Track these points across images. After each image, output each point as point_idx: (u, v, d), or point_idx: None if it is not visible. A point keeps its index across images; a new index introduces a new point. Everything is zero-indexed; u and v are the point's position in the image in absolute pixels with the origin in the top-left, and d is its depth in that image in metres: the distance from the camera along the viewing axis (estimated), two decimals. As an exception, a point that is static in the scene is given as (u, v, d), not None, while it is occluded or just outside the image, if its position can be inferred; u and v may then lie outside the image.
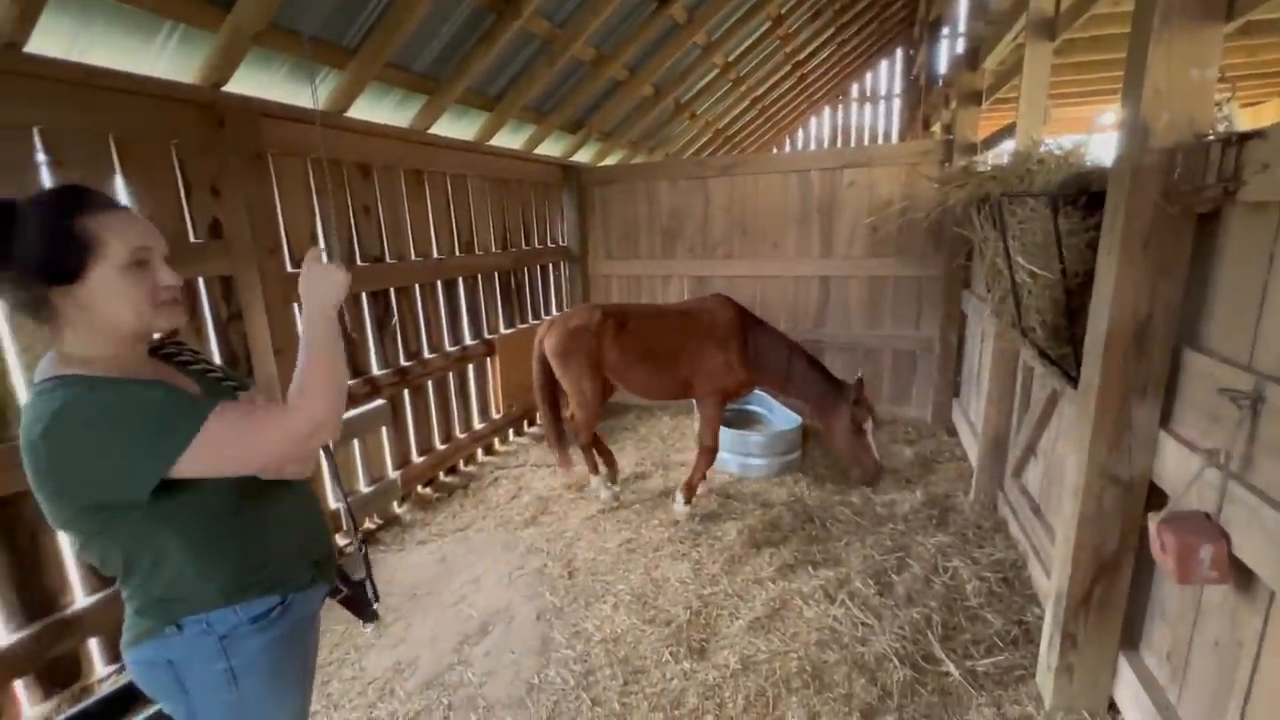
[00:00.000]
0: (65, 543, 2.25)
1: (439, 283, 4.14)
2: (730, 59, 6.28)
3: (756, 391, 4.92)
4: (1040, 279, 2.07)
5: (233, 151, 2.64)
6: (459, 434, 4.37)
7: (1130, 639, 1.96)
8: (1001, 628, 2.41)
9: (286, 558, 1.21)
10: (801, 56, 8.22)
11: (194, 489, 1.04)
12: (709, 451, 3.53)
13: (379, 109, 3.50)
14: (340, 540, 3.22)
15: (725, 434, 4.00)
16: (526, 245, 5.16)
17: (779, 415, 4.64)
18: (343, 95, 3.12)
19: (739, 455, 4.07)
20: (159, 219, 2.47)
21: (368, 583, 1.45)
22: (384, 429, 3.64)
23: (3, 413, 2.07)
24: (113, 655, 2.41)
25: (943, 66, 8.36)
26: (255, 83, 2.78)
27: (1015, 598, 2.60)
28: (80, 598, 2.30)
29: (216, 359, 2.77)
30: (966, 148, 4.19)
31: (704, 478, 3.57)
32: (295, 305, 3.00)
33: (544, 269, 5.51)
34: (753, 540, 3.18)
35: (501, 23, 3.41)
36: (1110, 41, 4.43)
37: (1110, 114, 7.33)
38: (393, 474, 3.71)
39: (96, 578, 2.34)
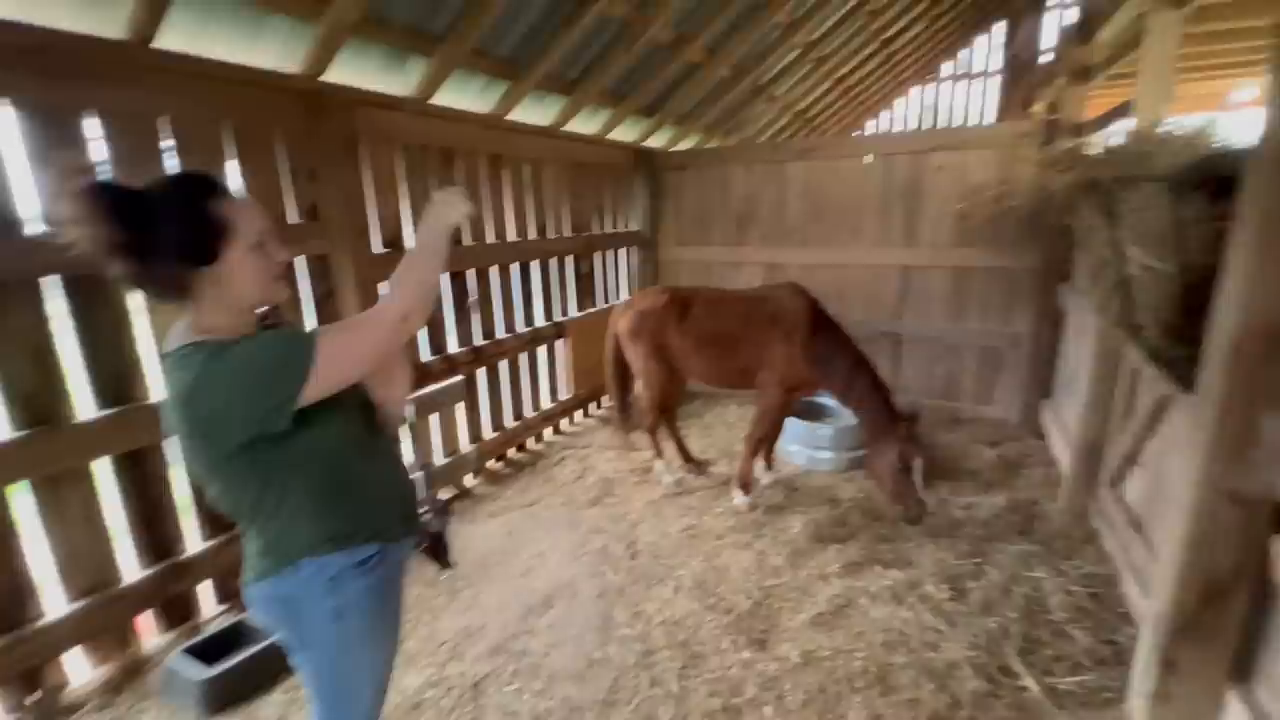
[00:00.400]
0: (183, 495, 2.49)
1: (514, 265, 4.25)
2: (813, 38, 6.04)
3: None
4: (1155, 272, 1.89)
5: (330, 138, 2.80)
6: (529, 413, 4.50)
7: (1242, 671, 1.78)
8: (1089, 646, 2.26)
9: (385, 510, 1.34)
10: (890, 34, 7.80)
11: (316, 438, 1.18)
12: (753, 441, 3.47)
13: (463, 95, 3.61)
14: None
15: (793, 425, 3.93)
16: (598, 230, 5.21)
17: (850, 409, 4.49)
18: (429, 82, 3.23)
19: (807, 448, 3.99)
20: (263, 202, 2.63)
21: (445, 536, 1.60)
22: (459, 405, 3.80)
23: (133, 376, 2.31)
24: (222, 596, 2.66)
25: (1049, 40, 7.71)
26: (351, 72, 2.92)
27: (1106, 615, 2.42)
28: (196, 544, 2.55)
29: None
30: (1071, 129, 3.85)
31: (752, 469, 3.52)
32: (380, 286, 3.16)
33: (615, 254, 5.55)
34: (818, 535, 3.11)
35: (583, 5, 3.43)
36: (1250, 6, 3.94)
37: (1248, 88, 6.53)
38: (467, 448, 3.87)
39: (210, 526, 2.58)
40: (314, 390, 1.10)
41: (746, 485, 3.48)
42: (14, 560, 2.06)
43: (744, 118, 6.79)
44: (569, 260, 4.84)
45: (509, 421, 4.31)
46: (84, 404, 2.21)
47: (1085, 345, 3.36)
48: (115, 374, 2.26)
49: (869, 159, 4.69)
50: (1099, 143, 3.10)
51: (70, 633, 2.17)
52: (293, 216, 2.81)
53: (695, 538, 3.17)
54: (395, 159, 3.26)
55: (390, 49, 2.96)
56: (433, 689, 2.20)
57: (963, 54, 11.20)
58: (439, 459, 3.69)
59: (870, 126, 11.85)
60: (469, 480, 3.94)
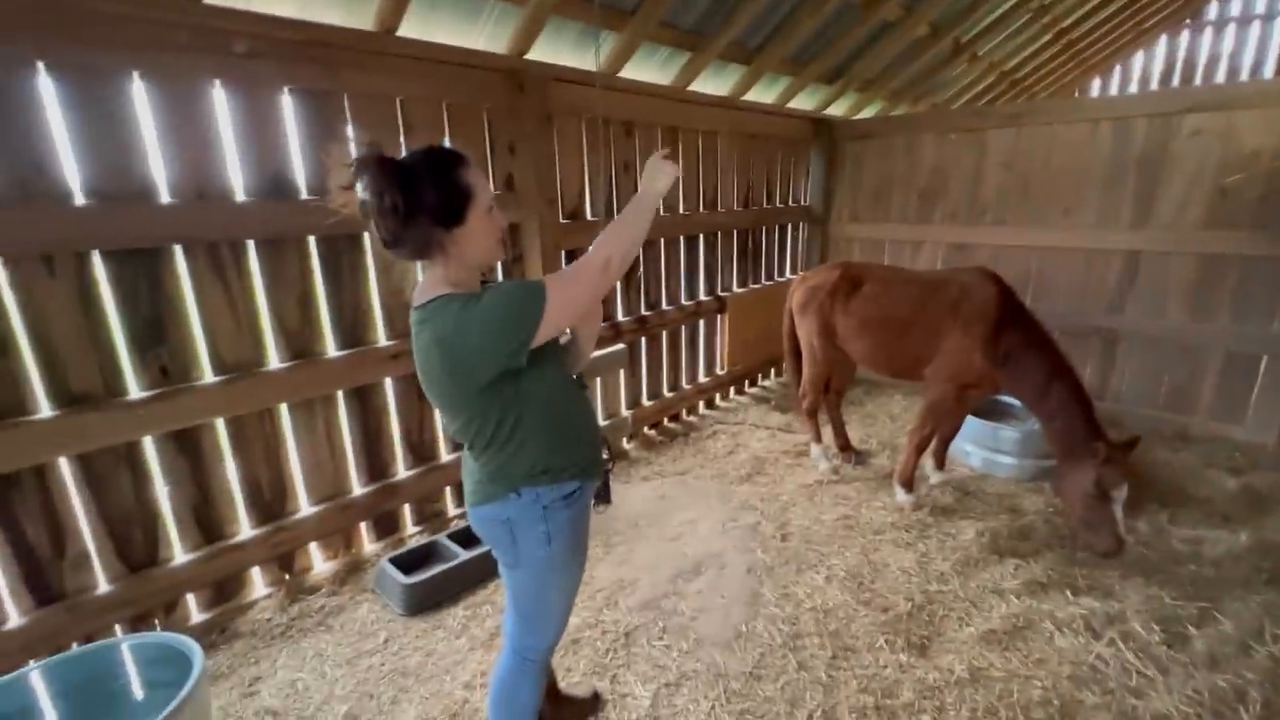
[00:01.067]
0: (392, 425, 2.91)
1: (680, 238, 4.30)
2: (1035, -16, 5.25)
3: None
4: None
5: (528, 113, 3.01)
6: (685, 384, 4.58)
7: None
8: (1363, 733, 1.81)
9: (587, 449, 1.49)
10: (1137, -29, 6.52)
11: (540, 379, 1.35)
12: (916, 438, 3.20)
13: (646, 68, 3.68)
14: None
15: (970, 423, 3.57)
16: (768, 204, 5.07)
17: (1043, 412, 3.96)
18: (618, 56, 3.33)
19: (985, 450, 3.61)
20: (471, 173, 2.95)
21: (609, 476, 1.77)
22: (621, 371, 3.97)
23: (367, 324, 2.72)
24: (419, 518, 3.09)
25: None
26: (549, 49, 3.11)
27: (1392, 700, 1.92)
28: (402, 471, 2.98)
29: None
30: None
31: (915, 466, 3.25)
32: (562, 253, 3.38)
33: (783, 229, 5.38)
34: (995, 546, 2.82)
35: (773, -32, 3.30)
36: None
37: None
38: (625, 412, 4.05)
39: (414, 456, 2.99)
40: (545, 331, 1.24)
41: (909, 482, 3.25)
42: (281, 465, 2.56)
43: (938, 81, 6.13)
44: (735, 234, 4.78)
45: (666, 391, 4.43)
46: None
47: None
48: (354, 321, 2.68)
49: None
50: None
51: (312, 529, 2.67)
52: (494, 187, 3.09)
53: (851, 529, 3.04)
54: (581, 132, 3.43)
55: (585, 25, 3.09)
56: (590, 630, 2.37)
57: (1237, -9, 9.03)
58: (600, 421, 3.92)
59: (1095, 88, 10.08)
60: (626, 444, 4.13)
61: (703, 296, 4.58)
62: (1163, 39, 9.60)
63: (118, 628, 2.20)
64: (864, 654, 2.21)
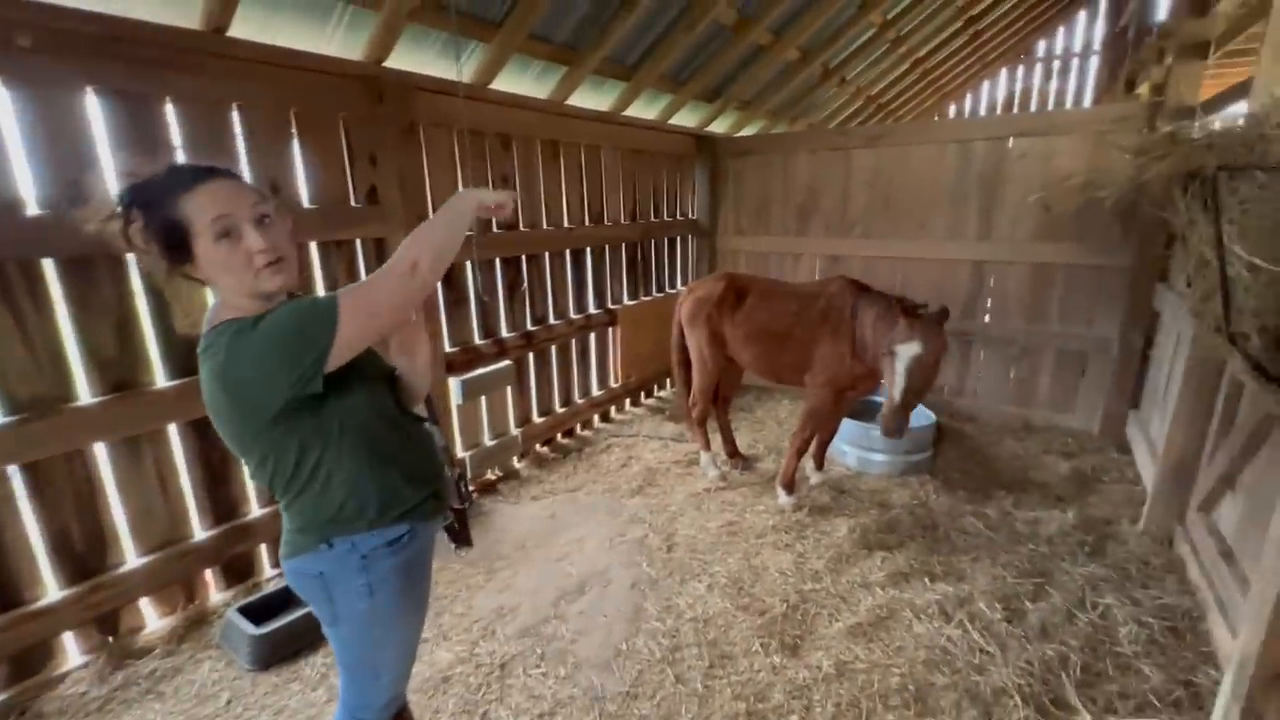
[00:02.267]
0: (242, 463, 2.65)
1: (567, 251, 4.27)
2: (889, 16, 5.71)
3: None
4: (1264, 273, 1.66)
5: (389, 123, 2.87)
6: (578, 399, 4.53)
7: (1344, 732, 1.56)
8: (1160, 685, 2.05)
9: (416, 490, 1.35)
10: (977, 10, 7.28)
11: (347, 409, 1.21)
12: (798, 441, 3.37)
13: (521, 81, 3.63)
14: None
15: (845, 424, 3.77)
16: (655, 217, 5.15)
17: (910, 410, 4.27)
18: (487, 69, 3.26)
19: (859, 449, 3.82)
20: (326, 185, 2.76)
21: (466, 514, 1.60)
22: (509, 388, 3.86)
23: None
24: (276, 560, 2.82)
25: (1162, 14, 6.97)
26: (410, 59, 2.98)
27: (1184, 653, 2.19)
28: (255, 510, 2.72)
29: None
30: (1181, 112, 3.46)
31: (796, 468, 3.40)
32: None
33: (671, 241, 5.48)
34: (864, 541, 2.98)
35: (642, -12, 3.36)
36: None
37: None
38: (514, 431, 3.94)
39: (268, 495, 2.74)
40: (341, 346, 1.09)
41: (790, 485, 3.38)
42: (97, 512, 2.24)
43: (812, 103, 6.52)
44: (623, 247, 4.81)
45: (558, 407, 4.35)
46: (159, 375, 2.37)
47: (1180, 353, 3.04)
48: (190, 346, 2.41)
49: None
50: (1206, 127, 2.77)
51: (142, 583, 2.36)
52: (355, 200, 2.91)
53: (735, 535, 3.10)
54: (453, 144, 3.32)
55: (449, 36, 3.00)
56: (462, 665, 2.25)
57: (1059, 32, 10.33)
58: (487, 441, 3.78)
59: (952, 112, 11.16)
60: (516, 462, 4.01)
61: (592, 310, 4.56)
62: (1003, 73, 10.80)
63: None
64: (740, 660, 2.24)
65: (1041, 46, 10.54)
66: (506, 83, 3.49)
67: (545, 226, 4.03)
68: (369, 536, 1.27)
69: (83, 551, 2.22)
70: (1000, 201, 4.35)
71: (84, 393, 2.18)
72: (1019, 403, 4.53)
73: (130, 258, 2.20)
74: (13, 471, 2.04)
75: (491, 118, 3.49)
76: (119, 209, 1.11)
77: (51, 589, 2.17)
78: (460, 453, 3.56)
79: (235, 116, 2.44)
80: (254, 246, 1.14)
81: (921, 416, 3.92)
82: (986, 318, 4.54)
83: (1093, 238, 4.01)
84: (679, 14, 3.85)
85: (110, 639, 2.33)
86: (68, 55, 1.98)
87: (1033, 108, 10.55)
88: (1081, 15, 10.06)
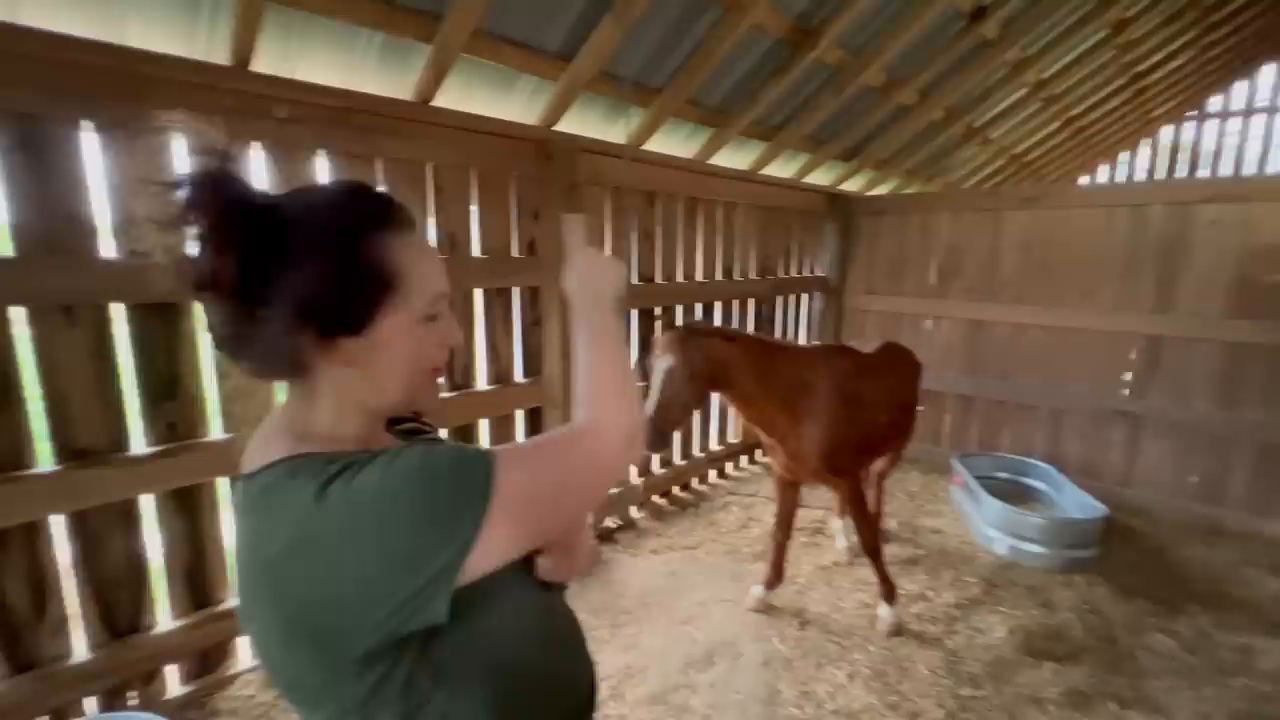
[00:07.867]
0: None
1: (699, 306, 4.30)
2: (1045, 75, 5.43)
3: (1039, 463, 4.15)
4: None
5: (554, 182, 3.06)
6: (696, 452, 4.47)
7: None
8: None
9: (575, 695, 0.85)
10: (1143, 67, 6.77)
11: (481, 634, 0.71)
12: (873, 542, 2.83)
13: (670, 141, 3.77)
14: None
15: (994, 508, 3.44)
16: (784, 274, 5.10)
17: (1069, 497, 3.82)
18: (644, 130, 3.42)
19: (1011, 537, 3.45)
20: (494, 239, 2.97)
21: None
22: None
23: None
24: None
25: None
26: (578, 122, 3.19)
27: None
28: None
29: (518, 359, 3.23)
30: None
31: (888, 575, 2.82)
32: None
33: (798, 299, 5.39)
34: (1028, 647, 2.64)
35: (796, 55, 3.43)
36: None
37: None
38: (636, 480, 3.93)
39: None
40: (489, 553, 0.63)
41: (891, 596, 2.82)
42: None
43: (950, 163, 6.29)
44: (750, 303, 4.79)
45: (677, 459, 4.31)
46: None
47: None
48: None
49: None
50: None
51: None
52: (515, 251, 3.10)
53: (873, 620, 2.86)
54: (603, 201, 3.49)
55: (614, 100, 3.19)
56: (593, 725, 2.19)
57: (1236, 86, 9.37)
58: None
59: (1102, 173, 10.34)
60: (634, 511, 3.99)
61: (717, 363, 4.53)
62: (1167, 129, 9.90)
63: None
64: (893, 768, 2.03)
65: (1217, 101, 9.60)
66: (657, 144, 3.65)
67: (680, 280, 4.09)
68: None
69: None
70: (1183, 271, 3.91)
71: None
72: (1205, 500, 3.93)
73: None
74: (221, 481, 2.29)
75: (639, 176, 3.64)
76: (225, 212, 0.64)
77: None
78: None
79: (429, 174, 2.70)
80: (455, 341, 0.78)
81: (1090, 508, 3.49)
82: (1163, 397, 4.03)
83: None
84: (828, 78, 3.88)
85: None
86: (310, 124, 2.28)
87: (1205, 170, 9.56)
88: (1267, 69, 9.09)
